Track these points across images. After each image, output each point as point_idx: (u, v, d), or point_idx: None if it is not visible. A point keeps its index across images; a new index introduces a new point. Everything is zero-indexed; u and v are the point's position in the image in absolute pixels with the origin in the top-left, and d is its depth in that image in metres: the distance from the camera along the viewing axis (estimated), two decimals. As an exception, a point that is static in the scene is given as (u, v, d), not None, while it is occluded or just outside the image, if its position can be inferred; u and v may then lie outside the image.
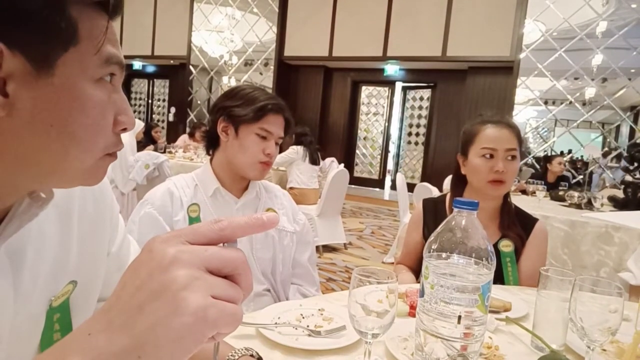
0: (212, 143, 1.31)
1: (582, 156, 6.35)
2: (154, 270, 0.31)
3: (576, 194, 3.08)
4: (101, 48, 0.43)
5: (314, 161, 4.63)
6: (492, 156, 1.34)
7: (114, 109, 0.46)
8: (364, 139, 9.74)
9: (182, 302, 0.29)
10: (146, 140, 5.53)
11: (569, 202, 3.08)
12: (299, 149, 4.57)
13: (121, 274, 0.34)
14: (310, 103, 9.03)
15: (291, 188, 4.55)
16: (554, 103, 6.55)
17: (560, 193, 3.34)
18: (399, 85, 9.48)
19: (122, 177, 4.32)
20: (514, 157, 1.35)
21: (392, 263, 4.07)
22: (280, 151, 4.80)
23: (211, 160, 1.31)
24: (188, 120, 9.09)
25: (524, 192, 4.04)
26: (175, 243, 0.32)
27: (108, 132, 0.46)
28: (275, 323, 0.90)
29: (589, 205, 2.97)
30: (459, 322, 0.64)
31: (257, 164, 1.24)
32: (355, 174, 9.48)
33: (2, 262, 0.46)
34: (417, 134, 9.33)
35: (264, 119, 1.22)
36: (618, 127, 6.48)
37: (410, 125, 9.46)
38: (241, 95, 1.24)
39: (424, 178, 8.48)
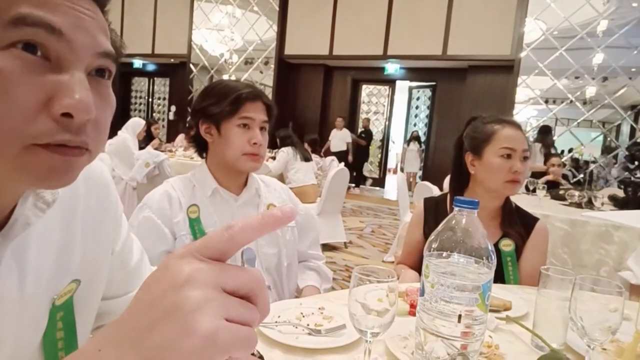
0: (201, 147, 1.30)
1: (577, 157, 6.34)
2: (168, 288, 0.30)
3: (576, 193, 3.07)
4: (10, 7, 0.35)
5: (306, 158, 4.65)
6: (509, 156, 1.35)
7: (44, 88, 0.38)
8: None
9: (192, 325, 0.28)
10: (146, 138, 5.52)
11: (569, 201, 3.07)
12: (288, 150, 4.59)
13: (124, 273, 0.33)
14: (310, 101, 9.03)
15: (290, 188, 4.54)
16: (554, 102, 6.55)
17: (561, 192, 3.34)
18: (399, 84, 9.49)
19: (125, 167, 4.33)
20: (526, 157, 1.37)
21: (393, 262, 4.07)
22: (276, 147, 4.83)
23: (206, 160, 1.31)
24: (188, 119, 9.09)
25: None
26: (191, 260, 0.31)
27: (27, 114, 0.37)
28: (276, 322, 0.90)
29: (589, 204, 2.97)
30: (459, 321, 0.64)
31: (245, 156, 1.21)
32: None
33: (9, 263, 0.46)
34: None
35: (241, 109, 1.20)
36: (619, 126, 6.48)
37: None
38: (214, 92, 1.23)
39: (424, 177, 8.49)
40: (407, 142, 9.23)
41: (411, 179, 8.72)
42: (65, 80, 0.38)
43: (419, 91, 9.56)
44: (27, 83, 0.37)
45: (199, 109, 1.25)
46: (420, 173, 9.10)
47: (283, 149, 4.61)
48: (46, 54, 0.38)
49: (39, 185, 0.42)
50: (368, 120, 9.29)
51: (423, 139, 9.25)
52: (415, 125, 9.61)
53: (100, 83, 0.43)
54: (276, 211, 0.32)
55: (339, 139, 8.47)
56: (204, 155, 1.31)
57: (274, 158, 4.85)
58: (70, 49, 0.39)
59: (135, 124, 4.71)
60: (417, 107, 9.70)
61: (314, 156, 5.10)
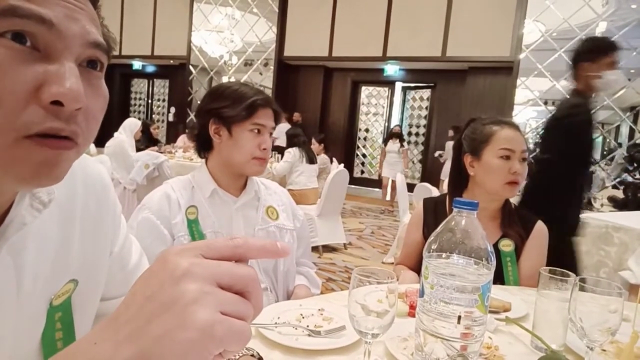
0: (204, 146, 1.30)
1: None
2: (165, 281, 0.30)
3: (576, 194, 3.07)
4: None
5: (311, 160, 4.61)
6: (508, 157, 1.35)
7: (33, 77, 0.37)
8: (364, 139, 9.75)
9: (189, 317, 0.29)
10: (145, 139, 5.52)
11: (569, 202, 3.07)
12: (295, 151, 4.53)
13: (123, 274, 0.33)
14: (310, 103, 9.03)
15: (290, 190, 4.53)
16: (553, 103, 6.55)
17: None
18: (398, 86, 9.49)
19: (122, 170, 4.33)
20: (524, 159, 1.37)
21: (392, 263, 4.06)
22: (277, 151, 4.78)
23: (206, 161, 1.31)
24: (188, 120, 9.10)
25: None
26: (188, 256, 0.31)
27: (16, 103, 0.37)
28: (275, 323, 0.90)
29: (589, 205, 2.97)
30: (458, 322, 0.64)
31: (254, 160, 1.24)
32: (355, 174, 9.48)
33: (5, 262, 0.46)
34: (417, 134, 9.34)
35: (255, 115, 1.23)
36: (618, 128, 6.48)
37: (410, 126, 9.47)
38: (227, 94, 1.24)
39: (423, 178, 8.49)
40: (385, 140, 7.72)
41: (390, 187, 7.30)
42: (55, 69, 0.38)
43: (415, 92, 9.53)
44: (16, 72, 0.37)
45: (209, 109, 1.25)
46: (402, 179, 8.15)
47: (290, 149, 4.55)
48: (35, 44, 0.38)
49: (29, 181, 0.40)
50: (299, 115, 8.27)
51: (422, 139, 9.22)
52: (417, 126, 9.55)
53: (92, 74, 0.43)
54: (278, 244, 0.35)
55: (279, 132, 6.52)
56: (203, 154, 1.32)
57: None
58: (59, 38, 0.39)
59: (132, 124, 4.72)
60: (419, 108, 9.67)
61: (321, 156, 5.04)
